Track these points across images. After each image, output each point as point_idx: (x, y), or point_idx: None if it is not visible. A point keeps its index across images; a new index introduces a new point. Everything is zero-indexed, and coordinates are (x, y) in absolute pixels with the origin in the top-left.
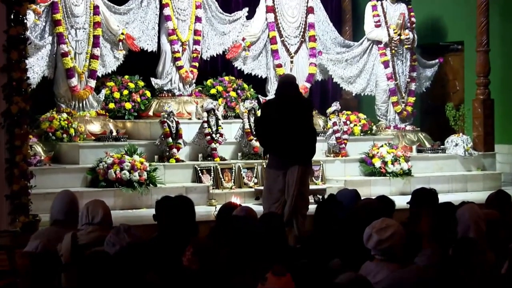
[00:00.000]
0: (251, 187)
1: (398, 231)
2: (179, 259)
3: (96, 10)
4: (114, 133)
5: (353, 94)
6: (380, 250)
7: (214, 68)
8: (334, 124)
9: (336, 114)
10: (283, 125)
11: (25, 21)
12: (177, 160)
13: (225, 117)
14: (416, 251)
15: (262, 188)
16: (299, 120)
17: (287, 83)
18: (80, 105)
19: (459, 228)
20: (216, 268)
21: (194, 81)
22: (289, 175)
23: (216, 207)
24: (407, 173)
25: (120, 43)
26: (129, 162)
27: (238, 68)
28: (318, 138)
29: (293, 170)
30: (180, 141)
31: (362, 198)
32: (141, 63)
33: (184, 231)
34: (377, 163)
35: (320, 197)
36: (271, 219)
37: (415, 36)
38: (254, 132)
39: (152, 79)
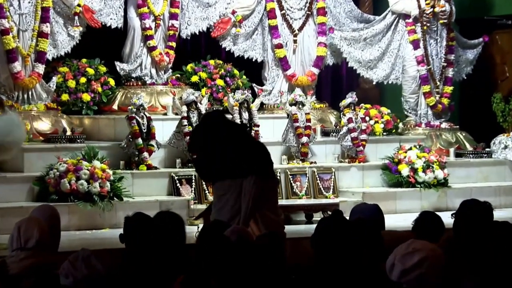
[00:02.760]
0: None
1: (431, 255)
2: None
3: None
4: (69, 133)
5: (374, 83)
6: (407, 283)
7: (196, 50)
8: (350, 121)
9: (352, 108)
10: None
11: None
12: (149, 167)
13: (209, 110)
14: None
15: None
16: None
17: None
18: (25, 96)
19: None
20: None
21: (170, 66)
22: None
23: (198, 227)
24: (442, 184)
25: (76, 18)
26: (88, 169)
27: (226, 50)
28: (329, 138)
29: None
30: (152, 142)
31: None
32: (103, 43)
33: (171, 260)
34: (405, 170)
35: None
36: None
37: (453, 8)
38: None
39: (117, 63)
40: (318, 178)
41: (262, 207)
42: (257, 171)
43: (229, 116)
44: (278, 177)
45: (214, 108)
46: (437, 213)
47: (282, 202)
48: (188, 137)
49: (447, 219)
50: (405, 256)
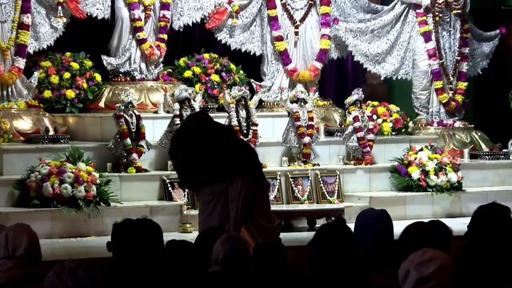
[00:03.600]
0: None
1: (446, 264)
2: None
3: None
4: (51, 132)
5: (382, 78)
6: None
7: (189, 42)
8: (355, 119)
9: (358, 105)
10: None
11: None
12: (138, 170)
13: (204, 108)
14: None
15: None
16: None
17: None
18: (4, 93)
19: None
20: None
21: (161, 60)
22: None
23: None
24: (456, 187)
25: (60, 8)
26: (72, 172)
27: (222, 42)
28: (333, 138)
29: None
30: (142, 143)
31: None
32: (89, 36)
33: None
34: (415, 173)
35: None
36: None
37: None
38: None
39: (104, 57)
40: (321, 182)
41: (253, 212)
42: (244, 174)
43: (224, 115)
44: (278, 180)
45: (209, 106)
46: (449, 219)
47: (282, 207)
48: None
49: (462, 226)
50: (421, 264)
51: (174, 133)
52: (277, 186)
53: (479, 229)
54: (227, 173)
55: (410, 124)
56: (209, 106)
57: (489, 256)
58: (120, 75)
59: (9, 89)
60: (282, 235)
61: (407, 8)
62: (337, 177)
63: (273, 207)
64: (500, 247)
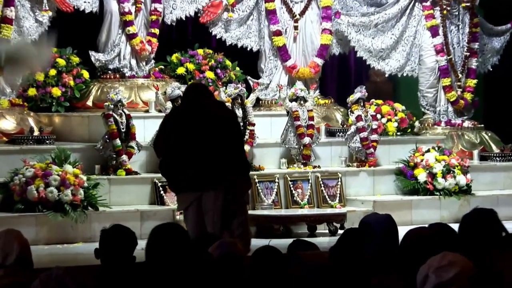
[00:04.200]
0: None
1: (466, 268)
2: None
3: None
4: (36, 133)
5: (386, 75)
6: None
7: (182, 38)
8: (358, 119)
9: (361, 104)
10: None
11: None
12: (128, 172)
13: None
14: None
15: (257, 212)
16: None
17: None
18: None
19: None
20: None
21: (153, 56)
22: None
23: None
24: (465, 191)
25: (45, 1)
26: (58, 174)
27: (217, 37)
28: (335, 138)
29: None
30: (132, 143)
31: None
32: (76, 30)
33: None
34: (421, 175)
35: (338, 226)
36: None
37: None
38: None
39: (92, 53)
40: (322, 185)
41: (229, 225)
42: (221, 183)
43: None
44: (276, 183)
45: None
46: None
47: (281, 212)
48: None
49: None
50: (441, 269)
51: (165, 116)
52: (275, 190)
53: (470, 239)
54: (203, 180)
55: (416, 123)
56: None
57: (483, 263)
58: (109, 72)
59: None
60: (281, 241)
61: (413, 1)
62: (339, 180)
63: (271, 212)
64: (493, 251)
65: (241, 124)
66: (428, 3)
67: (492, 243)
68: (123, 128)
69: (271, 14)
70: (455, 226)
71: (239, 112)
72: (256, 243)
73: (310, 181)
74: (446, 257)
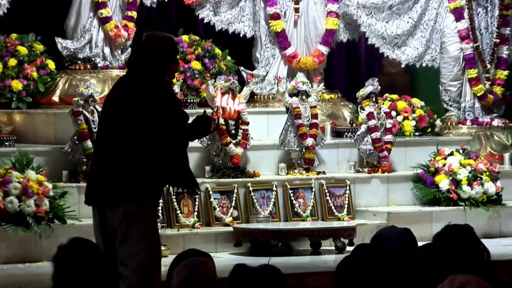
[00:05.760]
0: (227, 225)
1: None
2: None
3: None
4: None
5: (403, 66)
6: None
7: (164, 22)
8: (370, 116)
9: (373, 99)
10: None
11: None
12: None
13: (182, 103)
14: None
15: (252, 226)
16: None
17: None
18: None
19: None
20: None
21: (129, 43)
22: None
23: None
24: (494, 201)
25: None
26: (19, 182)
27: (205, 21)
28: (342, 139)
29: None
30: None
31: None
32: (40, 14)
33: None
34: (444, 183)
35: (346, 242)
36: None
37: None
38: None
39: (58, 40)
40: (327, 194)
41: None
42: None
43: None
44: (274, 192)
45: (189, 100)
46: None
47: (279, 225)
48: None
49: (502, 248)
50: None
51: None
52: (273, 200)
53: (444, 262)
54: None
55: (438, 122)
56: (188, 101)
57: None
58: (79, 62)
59: None
60: (280, 259)
61: None
62: (347, 188)
63: (268, 226)
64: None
65: (233, 123)
66: None
67: (470, 266)
68: (94, 128)
69: None
70: (483, 242)
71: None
72: (251, 261)
73: (313, 190)
74: (456, 280)
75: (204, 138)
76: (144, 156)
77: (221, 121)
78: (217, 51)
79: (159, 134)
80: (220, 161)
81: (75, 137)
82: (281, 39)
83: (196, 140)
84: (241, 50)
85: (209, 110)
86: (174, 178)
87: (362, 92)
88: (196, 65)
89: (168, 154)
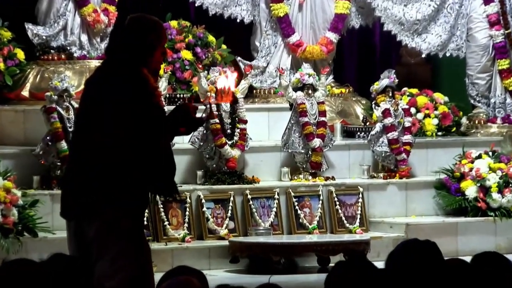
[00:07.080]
0: (222, 238)
1: None
2: None
3: None
4: None
5: (423, 56)
6: None
7: (150, 5)
8: (386, 113)
9: (390, 94)
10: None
11: None
12: None
13: (171, 99)
14: None
15: (250, 239)
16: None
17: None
18: None
19: None
20: None
21: (110, 30)
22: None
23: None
24: None
25: None
26: None
27: (197, 5)
28: (354, 140)
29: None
30: None
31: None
32: None
33: None
34: (470, 190)
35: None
36: None
37: None
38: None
39: (29, 26)
40: (337, 203)
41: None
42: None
43: (199, 108)
44: (276, 200)
45: (178, 95)
46: None
47: (282, 239)
48: None
49: None
50: None
51: None
52: (274, 209)
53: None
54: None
55: (464, 120)
56: (177, 95)
57: None
58: (52, 51)
59: None
60: (283, 277)
61: None
62: (360, 196)
63: (269, 239)
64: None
65: (229, 121)
66: None
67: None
68: (70, 127)
69: None
70: None
71: (226, 105)
72: (249, 280)
73: (321, 198)
74: None
75: (196, 139)
76: (123, 157)
77: (214, 108)
78: (211, 38)
79: (136, 131)
80: (214, 165)
81: (48, 138)
82: (284, 25)
83: (188, 142)
84: (238, 38)
85: (201, 107)
86: (150, 182)
87: (377, 85)
88: (186, 54)
89: (145, 152)
